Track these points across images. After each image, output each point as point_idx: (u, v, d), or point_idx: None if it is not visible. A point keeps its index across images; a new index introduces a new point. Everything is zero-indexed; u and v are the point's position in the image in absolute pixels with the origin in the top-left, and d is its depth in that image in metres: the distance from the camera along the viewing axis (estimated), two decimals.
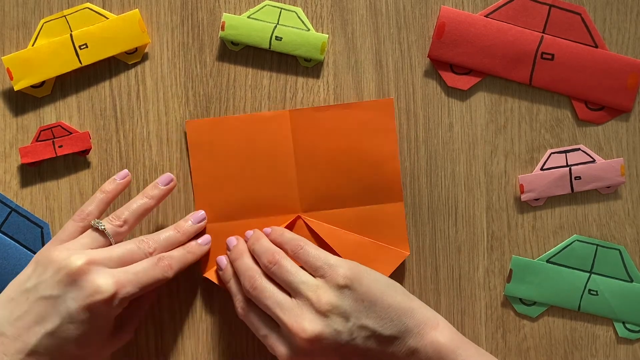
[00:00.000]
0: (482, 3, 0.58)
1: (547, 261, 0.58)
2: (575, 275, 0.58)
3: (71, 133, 0.58)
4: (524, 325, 0.58)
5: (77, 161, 0.59)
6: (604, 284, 0.57)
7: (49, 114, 0.59)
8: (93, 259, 0.48)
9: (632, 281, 0.58)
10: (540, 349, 0.58)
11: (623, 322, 0.58)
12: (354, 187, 0.57)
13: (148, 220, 0.58)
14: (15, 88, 0.57)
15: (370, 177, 0.57)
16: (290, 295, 0.50)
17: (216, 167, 0.57)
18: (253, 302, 0.52)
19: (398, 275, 0.58)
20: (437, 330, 0.50)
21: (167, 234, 0.54)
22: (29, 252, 0.57)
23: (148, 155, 0.58)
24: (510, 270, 0.58)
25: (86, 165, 0.59)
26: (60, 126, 0.58)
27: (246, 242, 0.55)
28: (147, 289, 0.50)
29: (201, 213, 0.56)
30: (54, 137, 0.58)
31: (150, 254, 0.52)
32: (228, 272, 0.54)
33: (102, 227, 0.52)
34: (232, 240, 0.55)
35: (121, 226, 0.52)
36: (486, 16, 0.58)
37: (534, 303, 0.58)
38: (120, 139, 0.59)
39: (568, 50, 0.57)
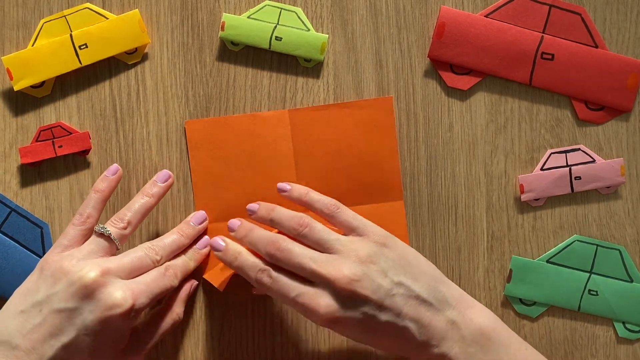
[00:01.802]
0: (482, 3, 0.58)
1: (547, 261, 0.58)
2: (575, 275, 0.58)
3: (71, 133, 0.58)
4: (524, 326, 0.58)
5: (77, 161, 0.59)
6: (604, 284, 0.57)
7: (49, 114, 0.59)
8: (107, 269, 0.48)
9: (632, 281, 0.58)
10: (540, 349, 0.58)
11: (623, 322, 0.58)
12: (353, 186, 0.57)
13: (148, 221, 0.58)
14: (15, 88, 0.57)
15: (370, 175, 0.57)
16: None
17: (216, 167, 0.57)
18: (277, 268, 0.50)
19: None
20: (476, 309, 0.50)
21: (171, 238, 0.54)
22: (29, 252, 0.57)
23: (148, 155, 0.58)
24: (510, 270, 0.58)
25: (86, 165, 0.59)
26: (60, 126, 0.58)
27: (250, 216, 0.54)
28: (157, 298, 0.50)
29: (201, 213, 0.56)
30: (54, 137, 0.58)
31: (158, 262, 0.52)
32: (231, 250, 0.52)
33: (108, 232, 0.51)
34: (235, 222, 0.54)
35: (125, 228, 0.52)
36: (486, 16, 0.58)
37: (534, 303, 0.58)
38: (120, 139, 0.59)
39: (568, 50, 0.57)
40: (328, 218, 0.52)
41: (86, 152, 0.58)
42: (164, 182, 0.55)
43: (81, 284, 0.47)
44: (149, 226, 0.58)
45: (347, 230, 0.51)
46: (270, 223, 0.52)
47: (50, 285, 0.48)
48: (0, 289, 0.57)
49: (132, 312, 0.48)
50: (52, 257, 0.50)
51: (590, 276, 0.58)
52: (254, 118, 0.58)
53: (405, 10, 0.58)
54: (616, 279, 0.58)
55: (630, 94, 0.58)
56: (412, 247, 0.58)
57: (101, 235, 0.51)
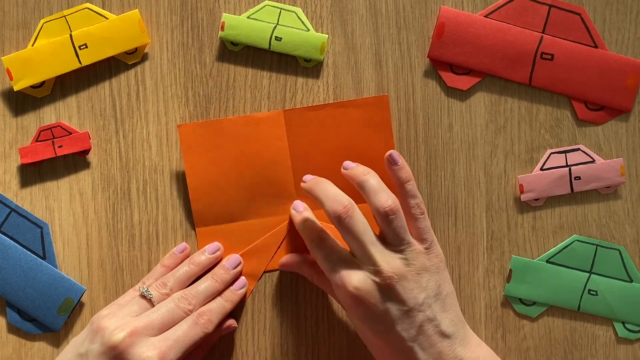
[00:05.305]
0: (482, 3, 0.58)
1: (547, 261, 0.58)
2: (575, 275, 0.58)
3: (71, 133, 0.58)
4: (524, 326, 0.58)
5: (76, 161, 0.59)
6: (604, 284, 0.57)
7: (49, 114, 0.59)
8: (135, 330, 0.49)
9: (631, 281, 0.58)
10: (540, 349, 0.58)
11: (623, 322, 0.58)
12: (351, 184, 0.57)
13: (148, 220, 0.58)
14: (15, 88, 0.57)
15: None
16: None
17: (211, 170, 0.57)
18: (329, 231, 0.52)
19: None
20: (482, 348, 0.51)
21: (204, 284, 0.54)
22: (28, 252, 0.57)
23: (148, 155, 0.58)
24: (510, 270, 0.58)
25: (86, 165, 0.59)
26: (60, 126, 0.58)
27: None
28: (189, 350, 0.51)
29: (236, 257, 0.57)
30: (54, 137, 0.58)
31: (190, 311, 0.52)
32: (303, 215, 0.54)
33: (150, 295, 0.53)
34: (308, 176, 0.55)
35: (168, 294, 0.54)
36: (486, 16, 0.58)
37: (534, 303, 0.58)
38: (120, 139, 0.59)
39: (568, 50, 0.58)
40: (413, 219, 0.51)
41: (86, 152, 0.58)
42: (212, 254, 0.56)
43: (109, 345, 0.49)
44: (148, 225, 0.58)
45: (419, 237, 0.51)
46: (360, 186, 0.52)
47: (90, 341, 0.50)
48: (0, 289, 0.57)
49: None
50: (102, 313, 0.52)
51: (590, 276, 0.58)
52: (248, 120, 0.57)
53: (405, 10, 0.59)
54: (616, 279, 0.58)
55: (630, 94, 0.58)
56: None
57: (143, 297, 0.53)
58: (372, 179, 0.51)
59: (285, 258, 0.57)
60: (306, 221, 0.54)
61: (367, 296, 0.48)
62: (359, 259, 0.50)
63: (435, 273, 0.50)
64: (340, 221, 0.49)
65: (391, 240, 0.50)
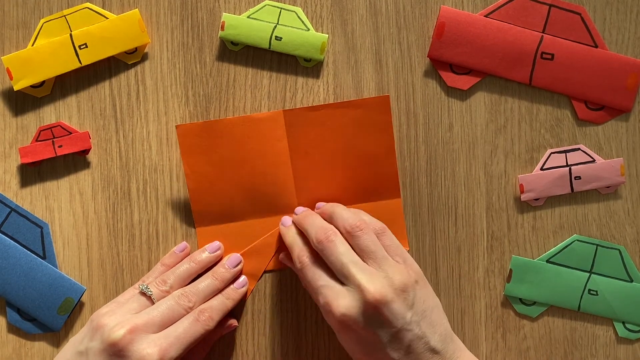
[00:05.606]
0: (482, 3, 0.58)
1: (547, 261, 0.58)
2: (575, 275, 0.58)
3: (71, 133, 0.58)
4: (524, 325, 0.58)
5: (76, 161, 0.59)
6: (604, 284, 0.58)
7: (49, 114, 0.59)
8: (135, 326, 0.49)
9: (632, 281, 0.58)
10: (540, 349, 0.58)
11: (623, 322, 0.58)
12: (351, 185, 0.57)
13: (148, 220, 0.58)
14: (15, 88, 0.57)
15: (368, 174, 0.57)
16: None
17: (211, 170, 0.57)
18: (318, 257, 0.52)
19: None
20: None
21: (205, 282, 0.54)
22: (29, 252, 0.57)
23: (148, 155, 0.58)
24: (510, 270, 0.58)
25: (86, 165, 0.59)
26: (60, 126, 0.58)
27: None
28: (190, 347, 0.51)
29: (236, 256, 0.57)
30: (54, 137, 0.58)
31: (191, 308, 0.52)
32: (292, 230, 0.55)
33: (150, 292, 0.53)
34: (300, 208, 0.57)
35: (167, 292, 0.54)
36: (486, 16, 0.58)
37: (534, 303, 0.58)
38: (120, 139, 0.59)
39: (568, 50, 0.58)
40: (377, 236, 0.52)
41: (86, 152, 0.58)
42: (212, 252, 0.56)
43: (109, 342, 0.49)
44: (148, 225, 0.58)
45: (390, 255, 0.51)
46: (330, 217, 0.53)
47: (90, 339, 0.50)
48: (0, 289, 0.57)
49: None
50: (102, 310, 0.52)
51: (590, 276, 0.58)
52: (248, 120, 0.57)
53: (405, 10, 0.59)
54: (616, 278, 0.58)
55: (630, 94, 0.58)
56: (411, 247, 0.58)
57: (143, 294, 0.53)
58: (338, 208, 0.53)
59: (284, 253, 0.57)
60: (294, 242, 0.54)
61: (355, 321, 0.48)
62: (343, 280, 0.49)
63: (416, 289, 0.50)
64: (322, 245, 0.50)
65: (366, 257, 0.50)
